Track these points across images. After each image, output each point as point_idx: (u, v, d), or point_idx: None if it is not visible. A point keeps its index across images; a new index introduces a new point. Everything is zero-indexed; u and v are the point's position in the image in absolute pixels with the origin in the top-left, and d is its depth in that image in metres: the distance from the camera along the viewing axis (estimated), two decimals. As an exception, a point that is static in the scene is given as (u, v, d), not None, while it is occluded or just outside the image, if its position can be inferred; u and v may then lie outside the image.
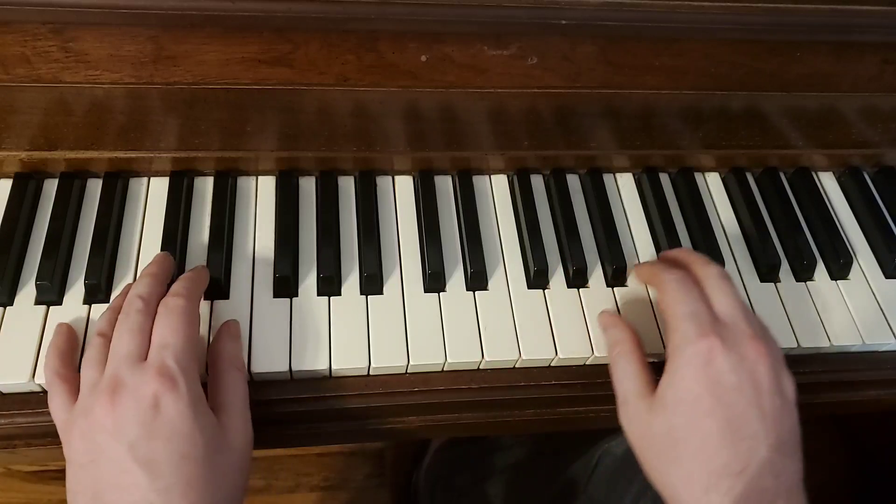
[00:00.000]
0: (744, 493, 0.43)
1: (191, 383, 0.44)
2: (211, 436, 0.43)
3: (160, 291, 0.49)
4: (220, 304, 0.54)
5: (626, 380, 0.50)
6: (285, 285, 0.55)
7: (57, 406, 0.46)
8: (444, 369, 0.54)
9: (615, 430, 0.74)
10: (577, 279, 0.58)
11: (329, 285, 0.55)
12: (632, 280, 0.60)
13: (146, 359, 0.44)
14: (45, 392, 0.50)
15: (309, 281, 0.56)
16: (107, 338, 0.47)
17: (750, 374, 0.45)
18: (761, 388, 0.45)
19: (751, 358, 0.45)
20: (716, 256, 0.61)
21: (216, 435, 0.44)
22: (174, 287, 0.49)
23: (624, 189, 0.66)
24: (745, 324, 0.48)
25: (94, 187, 0.59)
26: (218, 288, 0.54)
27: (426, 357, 0.53)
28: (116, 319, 0.47)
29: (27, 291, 0.54)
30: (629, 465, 0.71)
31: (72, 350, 0.50)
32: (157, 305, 0.47)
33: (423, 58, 0.55)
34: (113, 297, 0.54)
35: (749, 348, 0.46)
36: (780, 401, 0.46)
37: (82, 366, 0.46)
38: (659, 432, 0.46)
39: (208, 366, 0.49)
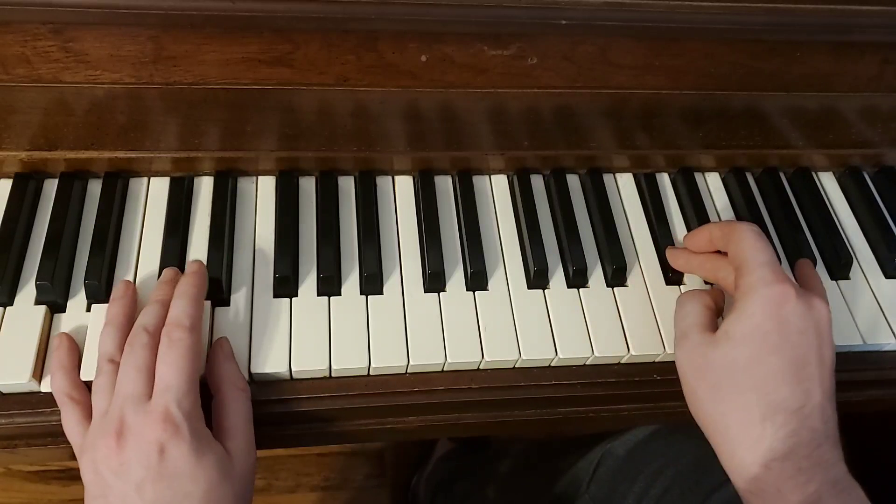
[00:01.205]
0: (796, 430, 0.46)
1: (194, 424, 0.45)
2: (216, 471, 0.45)
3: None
4: (219, 304, 0.54)
5: (691, 315, 0.51)
6: (285, 285, 0.55)
7: (72, 428, 0.48)
8: (444, 369, 0.54)
9: (616, 430, 0.74)
10: (577, 279, 0.58)
11: (329, 285, 0.55)
12: (632, 279, 0.60)
13: (151, 396, 0.45)
14: (44, 393, 0.50)
15: (309, 281, 0.56)
16: (116, 364, 0.48)
17: (815, 323, 0.48)
18: (823, 337, 0.48)
19: (817, 309, 0.49)
20: (716, 256, 0.60)
21: (222, 468, 0.46)
22: (176, 312, 0.49)
23: (624, 189, 0.66)
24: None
25: (94, 187, 0.59)
26: (218, 288, 0.54)
27: (426, 357, 0.53)
28: (120, 339, 0.48)
29: (27, 291, 0.54)
30: (631, 465, 0.71)
31: (75, 365, 0.50)
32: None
33: (423, 58, 0.55)
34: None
35: (816, 301, 0.49)
36: (833, 354, 0.49)
37: (93, 393, 0.48)
38: (719, 364, 0.48)
39: (211, 390, 0.49)
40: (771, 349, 0.47)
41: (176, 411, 0.44)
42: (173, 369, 0.46)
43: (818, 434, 0.46)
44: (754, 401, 0.46)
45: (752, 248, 0.50)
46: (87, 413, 0.48)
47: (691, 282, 0.60)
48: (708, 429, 0.49)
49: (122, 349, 0.48)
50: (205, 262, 0.55)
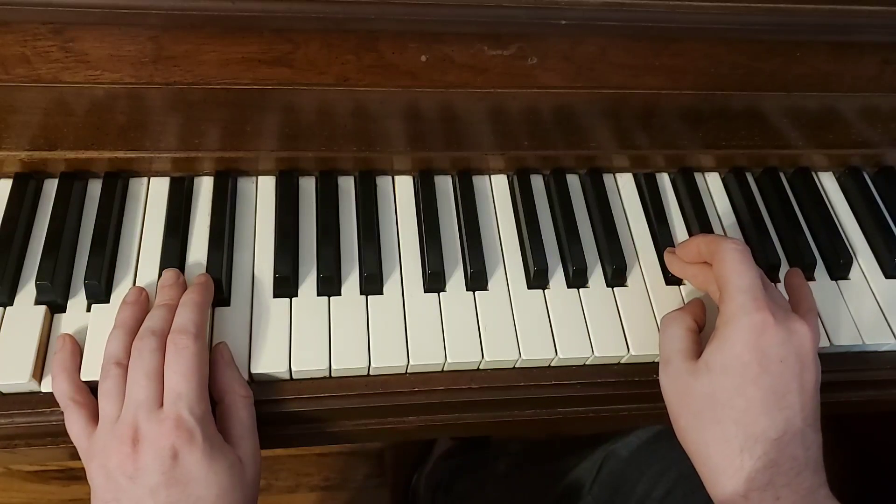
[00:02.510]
0: (775, 460, 0.46)
1: (206, 429, 0.46)
2: (227, 476, 0.46)
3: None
4: (219, 304, 0.54)
5: (674, 340, 0.51)
6: (285, 285, 0.55)
7: (77, 432, 0.48)
8: (444, 369, 0.54)
9: (619, 432, 0.74)
10: (577, 279, 0.58)
11: (329, 285, 0.55)
12: (632, 279, 0.60)
13: (162, 402, 0.46)
14: (45, 393, 0.50)
15: (309, 281, 0.56)
16: (123, 368, 0.48)
17: (796, 350, 0.48)
18: (804, 363, 0.48)
19: (798, 334, 0.48)
20: (716, 256, 0.60)
21: (233, 474, 0.46)
22: (181, 320, 0.49)
23: (624, 189, 0.66)
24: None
25: (94, 187, 0.59)
26: (218, 288, 0.54)
27: (426, 357, 0.53)
28: (128, 342, 0.49)
29: (27, 291, 0.54)
30: (634, 466, 0.71)
31: (77, 367, 0.50)
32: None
33: (423, 58, 0.55)
34: (114, 298, 0.54)
35: (797, 325, 0.48)
36: (816, 377, 0.49)
37: (100, 397, 0.48)
38: (701, 393, 0.48)
39: (214, 397, 0.50)
40: (750, 380, 0.47)
41: (189, 418, 0.45)
42: (182, 378, 0.46)
43: (798, 462, 0.46)
44: (734, 432, 0.46)
45: (734, 271, 0.49)
46: (92, 415, 0.48)
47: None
48: (692, 455, 0.50)
49: (129, 353, 0.48)
50: (205, 262, 0.55)
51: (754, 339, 0.47)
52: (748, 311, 0.47)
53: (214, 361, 0.50)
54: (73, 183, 0.58)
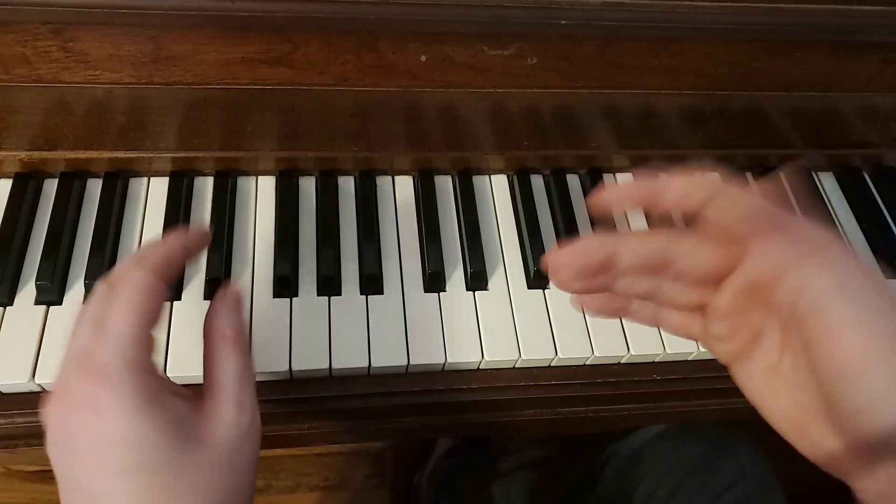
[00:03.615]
0: None
1: (140, 377, 0.37)
2: (169, 436, 0.36)
3: None
4: (220, 304, 0.54)
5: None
6: (285, 285, 0.55)
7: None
8: (444, 369, 0.54)
9: (622, 431, 0.74)
10: (577, 279, 0.58)
11: (329, 285, 0.55)
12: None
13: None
14: (45, 392, 0.50)
15: (309, 281, 0.56)
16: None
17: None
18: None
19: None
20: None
21: (180, 433, 0.37)
22: (137, 255, 0.41)
23: (624, 189, 0.66)
24: None
25: (94, 187, 0.59)
26: (218, 288, 0.54)
27: (426, 357, 0.53)
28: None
29: (27, 291, 0.54)
30: (638, 466, 0.71)
31: None
32: None
33: (423, 58, 0.54)
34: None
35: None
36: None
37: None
38: None
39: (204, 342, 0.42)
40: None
41: (118, 364, 0.36)
42: (120, 314, 0.37)
43: None
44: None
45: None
46: None
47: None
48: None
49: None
50: (204, 262, 0.55)
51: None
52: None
53: (216, 301, 0.43)
54: (73, 183, 0.58)
